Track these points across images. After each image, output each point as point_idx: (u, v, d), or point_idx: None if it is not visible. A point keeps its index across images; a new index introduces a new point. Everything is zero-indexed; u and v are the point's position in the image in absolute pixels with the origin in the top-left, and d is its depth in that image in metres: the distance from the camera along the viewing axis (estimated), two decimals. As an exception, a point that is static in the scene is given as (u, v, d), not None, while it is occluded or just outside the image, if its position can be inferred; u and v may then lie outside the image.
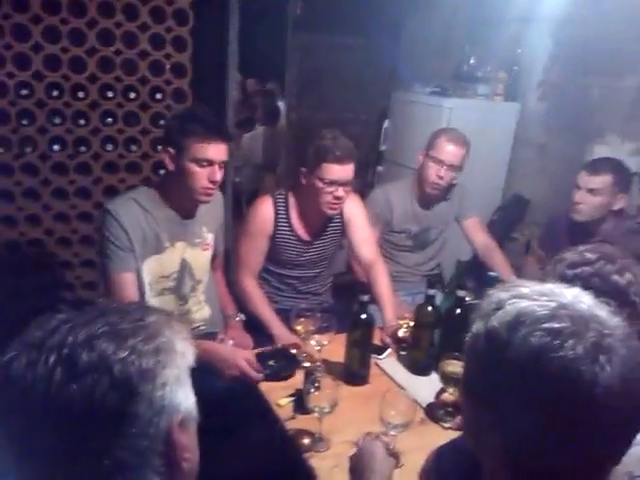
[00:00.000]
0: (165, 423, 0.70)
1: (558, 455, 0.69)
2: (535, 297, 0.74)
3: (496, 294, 0.77)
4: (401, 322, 1.98)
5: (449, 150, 2.40)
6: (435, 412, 1.59)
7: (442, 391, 1.59)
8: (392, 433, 1.37)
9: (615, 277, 1.09)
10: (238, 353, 1.73)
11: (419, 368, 1.82)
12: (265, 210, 2.20)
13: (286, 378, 1.71)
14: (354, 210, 2.31)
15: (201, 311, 2.07)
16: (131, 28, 2.70)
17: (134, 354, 0.68)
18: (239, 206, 4.09)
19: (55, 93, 2.64)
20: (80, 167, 2.79)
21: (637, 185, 2.98)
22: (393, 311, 2.09)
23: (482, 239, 2.65)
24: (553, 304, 0.72)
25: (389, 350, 1.93)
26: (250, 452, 1.57)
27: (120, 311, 0.74)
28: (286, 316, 1.94)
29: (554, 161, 3.29)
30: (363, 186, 4.20)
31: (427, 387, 1.69)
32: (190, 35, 2.83)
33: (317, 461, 1.39)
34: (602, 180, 2.28)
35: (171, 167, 1.80)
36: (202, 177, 1.78)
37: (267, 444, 1.52)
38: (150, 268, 1.87)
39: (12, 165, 2.65)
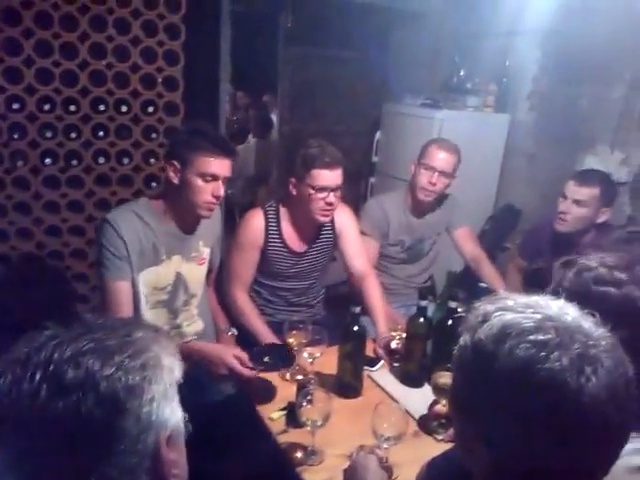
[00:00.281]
0: (153, 439, 0.70)
1: (546, 466, 0.70)
2: (520, 309, 0.74)
3: (482, 307, 0.78)
4: (393, 334, 1.97)
5: (440, 157, 2.42)
6: (428, 424, 1.59)
7: (435, 403, 1.58)
8: (385, 446, 1.36)
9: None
10: (227, 350, 1.71)
11: (412, 380, 1.82)
12: (256, 222, 2.20)
13: (283, 369, 1.72)
14: (345, 221, 2.32)
15: (194, 325, 2.06)
16: (123, 42, 2.71)
17: (120, 370, 0.68)
18: (232, 219, 4.10)
19: (47, 107, 2.64)
20: (72, 180, 2.78)
21: (627, 194, 3.01)
22: (385, 323, 2.09)
23: (471, 249, 2.66)
24: (538, 316, 0.72)
25: (382, 362, 1.93)
26: (242, 466, 1.56)
27: (107, 327, 0.74)
28: (278, 329, 1.94)
29: (544, 171, 3.32)
30: (356, 198, 4.21)
31: (420, 399, 1.69)
32: (182, 48, 2.84)
33: (310, 475, 1.38)
34: (589, 192, 2.29)
35: (175, 180, 1.81)
36: (206, 192, 1.80)
37: (259, 458, 1.51)
38: (146, 280, 1.87)
39: (3, 179, 2.64)
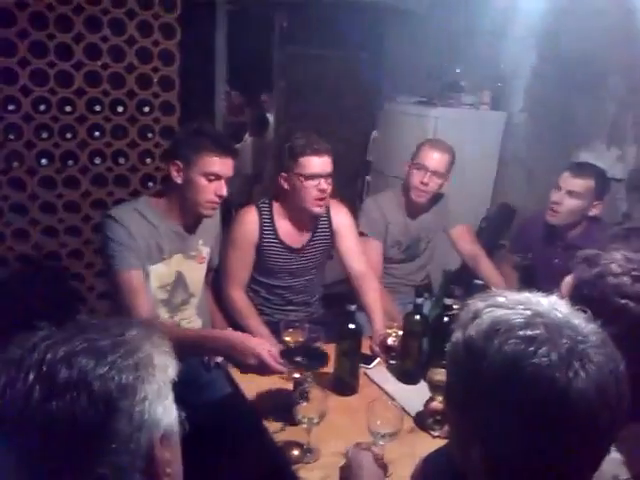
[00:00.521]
0: (146, 438, 0.70)
1: (537, 461, 0.70)
2: (511, 306, 0.75)
3: (473, 304, 0.78)
4: (389, 331, 1.98)
5: (433, 157, 2.42)
6: (424, 421, 1.59)
7: (431, 399, 1.59)
8: (380, 443, 1.37)
9: None
10: (261, 342, 1.60)
11: (408, 377, 1.82)
12: (249, 219, 2.20)
13: (316, 368, 1.63)
14: (343, 220, 2.32)
15: (192, 324, 2.06)
16: (118, 42, 2.72)
17: (113, 370, 0.68)
18: (230, 218, 4.08)
19: (42, 107, 2.65)
20: (68, 181, 2.79)
21: (623, 191, 3.02)
22: (382, 320, 2.09)
23: (469, 247, 2.66)
24: (528, 312, 0.73)
25: (378, 359, 1.93)
26: (239, 464, 1.57)
27: (100, 327, 0.74)
28: (277, 329, 1.93)
29: (539, 169, 3.32)
30: (352, 196, 4.22)
31: (416, 396, 1.69)
32: (177, 48, 2.85)
33: (306, 472, 1.39)
34: (584, 184, 2.30)
35: (179, 180, 1.83)
36: (209, 191, 1.83)
37: (256, 456, 1.52)
38: (151, 277, 1.88)
39: (-1, 180, 2.65)
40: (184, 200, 1.86)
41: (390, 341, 1.96)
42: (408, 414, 1.60)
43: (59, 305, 2.83)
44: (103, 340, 0.71)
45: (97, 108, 2.75)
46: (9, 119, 2.60)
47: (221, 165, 1.82)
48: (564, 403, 0.67)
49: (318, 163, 2.08)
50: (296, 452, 1.44)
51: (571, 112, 3.17)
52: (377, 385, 1.81)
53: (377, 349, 1.97)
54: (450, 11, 3.58)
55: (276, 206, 2.24)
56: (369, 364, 1.89)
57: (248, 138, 5.25)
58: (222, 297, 2.21)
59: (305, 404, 1.41)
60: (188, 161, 1.80)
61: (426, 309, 1.90)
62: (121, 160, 2.86)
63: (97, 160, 2.81)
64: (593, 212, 2.35)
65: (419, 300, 1.80)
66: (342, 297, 2.38)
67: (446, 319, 1.76)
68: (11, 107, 2.59)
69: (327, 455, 1.44)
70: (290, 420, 1.48)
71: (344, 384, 1.74)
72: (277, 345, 1.70)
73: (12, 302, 2.68)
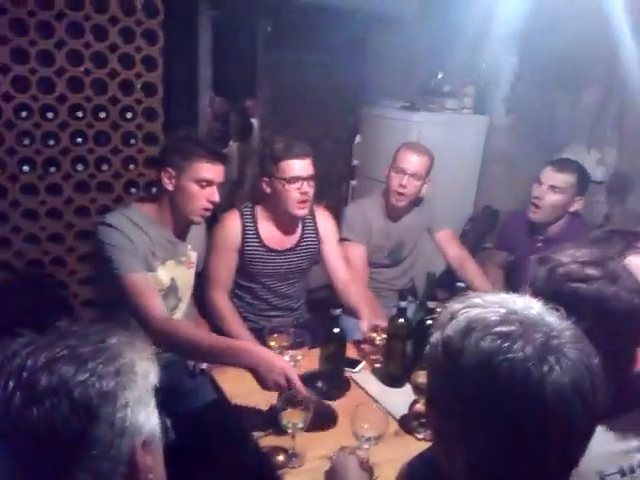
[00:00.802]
0: (127, 445, 0.70)
1: (516, 459, 0.71)
2: (486, 305, 0.76)
3: (451, 306, 0.80)
4: (373, 335, 1.99)
5: (410, 159, 2.44)
6: (409, 423, 1.60)
7: (415, 402, 1.60)
8: (366, 446, 1.37)
9: (611, 301, 1.00)
10: (288, 363, 1.57)
11: (393, 380, 1.83)
12: (232, 223, 2.21)
13: (336, 398, 1.58)
14: (328, 226, 2.35)
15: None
16: (100, 48, 2.71)
17: (94, 377, 0.69)
18: (214, 222, 4.08)
19: (24, 114, 2.63)
20: (50, 188, 2.77)
21: (603, 193, 3.06)
22: (369, 312, 2.09)
23: (455, 251, 2.68)
24: (503, 310, 0.74)
25: (363, 363, 1.94)
26: (224, 471, 1.56)
27: (81, 334, 0.74)
28: (260, 335, 1.93)
29: (521, 172, 3.36)
30: (337, 201, 4.23)
31: (401, 399, 1.70)
32: (160, 54, 2.84)
33: (291, 478, 1.39)
34: (566, 179, 2.34)
35: (170, 187, 1.84)
36: (201, 197, 1.84)
37: (241, 462, 1.51)
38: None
39: (-20, 187, 2.62)
40: (175, 207, 1.87)
41: (378, 341, 1.96)
42: (393, 417, 1.61)
43: (42, 313, 2.81)
44: (84, 347, 0.71)
45: (79, 114, 2.73)
46: (-10, 126, 2.58)
47: (213, 171, 1.84)
48: (540, 397, 0.68)
49: (299, 166, 2.09)
50: (281, 457, 1.44)
51: (552, 116, 3.21)
52: (362, 389, 1.81)
53: (366, 332, 1.98)
54: (433, 16, 3.61)
55: (259, 210, 2.24)
56: (354, 368, 1.90)
57: (233, 144, 5.24)
58: (205, 302, 2.20)
59: (290, 409, 1.41)
60: (180, 168, 1.81)
61: (410, 312, 1.91)
62: (104, 167, 2.85)
63: (80, 167, 2.80)
64: (574, 207, 2.40)
65: (403, 304, 1.81)
66: (326, 302, 2.39)
67: (429, 322, 1.77)
68: (-8, 114, 2.57)
69: (312, 460, 1.44)
70: (275, 426, 1.48)
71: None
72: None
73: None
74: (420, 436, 1.55)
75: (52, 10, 2.55)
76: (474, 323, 0.73)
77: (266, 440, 1.50)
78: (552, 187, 2.34)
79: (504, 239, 2.74)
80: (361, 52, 4.14)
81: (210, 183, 1.84)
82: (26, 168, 2.69)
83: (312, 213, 2.31)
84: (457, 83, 3.61)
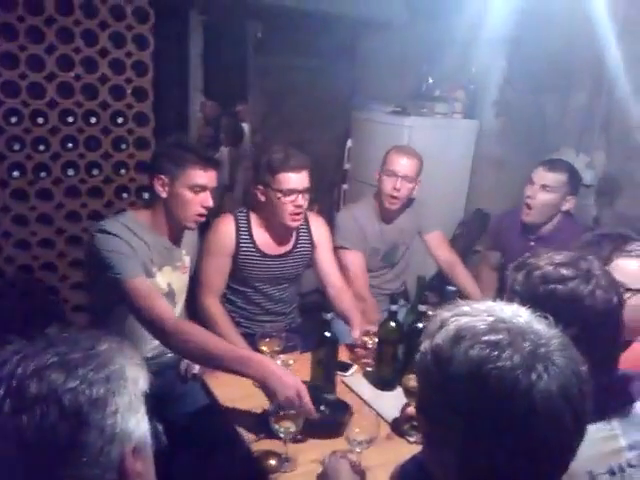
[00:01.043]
0: (117, 451, 0.70)
1: (506, 466, 0.71)
2: (475, 313, 0.77)
3: (440, 314, 0.80)
4: (365, 338, 1.99)
5: (401, 162, 2.46)
6: (401, 427, 1.60)
7: (407, 405, 1.60)
8: (357, 450, 1.38)
9: (587, 300, 1.02)
10: (299, 380, 1.54)
11: (384, 384, 1.84)
12: (226, 227, 2.20)
13: (338, 421, 1.51)
14: (322, 232, 2.36)
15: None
16: (91, 53, 2.71)
17: (84, 384, 0.69)
18: (206, 226, 4.08)
19: (14, 119, 2.62)
20: (41, 193, 2.76)
21: (592, 196, 3.09)
22: (360, 318, 2.11)
23: (445, 254, 2.70)
24: (491, 319, 0.75)
25: (355, 367, 1.94)
26: (216, 475, 1.56)
27: (70, 340, 0.74)
28: (252, 341, 1.92)
29: (511, 176, 3.38)
30: (329, 205, 4.24)
31: (393, 402, 1.70)
32: (151, 59, 2.84)
33: (283, 482, 1.39)
34: (557, 178, 2.37)
35: (164, 194, 1.84)
36: (195, 203, 1.84)
37: (233, 467, 1.51)
38: None
39: (-30, 193, 2.61)
40: (170, 213, 1.87)
41: (369, 345, 1.97)
42: (385, 420, 1.62)
43: (33, 319, 2.80)
44: (74, 353, 0.71)
45: (70, 119, 2.73)
46: (-21, 132, 2.57)
47: (206, 177, 1.84)
48: (529, 405, 0.68)
49: (295, 179, 2.08)
50: (273, 462, 1.44)
51: (541, 120, 3.24)
52: (354, 393, 1.82)
53: (358, 340, 1.99)
54: (422, 21, 3.64)
55: (253, 215, 2.24)
56: (346, 372, 1.90)
57: (224, 149, 5.24)
58: (196, 306, 2.19)
59: (282, 414, 1.41)
60: (173, 175, 1.81)
61: (401, 316, 1.92)
62: (95, 171, 2.84)
63: (70, 172, 2.79)
64: (566, 207, 2.43)
65: (394, 307, 1.82)
66: (318, 306, 2.40)
67: (420, 326, 1.78)
68: (-19, 120, 2.56)
69: (305, 464, 1.44)
70: (267, 430, 1.48)
71: (319, 389, 1.74)
72: None
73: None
74: (412, 439, 1.56)
75: (42, 15, 2.55)
76: (463, 332, 0.74)
77: (258, 445, 1.50)
78: (544, 186, 2.37)
79: (495, 239, 2.75)
80: (351, 57, 4.16)
81: (203, 189, 1.84)
82: (16, 173, 2.68)
83: (306, 219, 2.31)
84: (447, 88, 3.63)
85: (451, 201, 3.62)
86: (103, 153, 2.83)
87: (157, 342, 1.93)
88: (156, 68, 2.88)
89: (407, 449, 1.47)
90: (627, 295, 1.39)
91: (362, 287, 2.47)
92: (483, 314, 0.76)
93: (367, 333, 2.01)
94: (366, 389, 1.83)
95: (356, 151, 3.93)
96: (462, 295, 2.40)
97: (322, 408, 1.54)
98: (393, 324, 1.82)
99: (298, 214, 2.14)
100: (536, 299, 0.92)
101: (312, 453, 1.46)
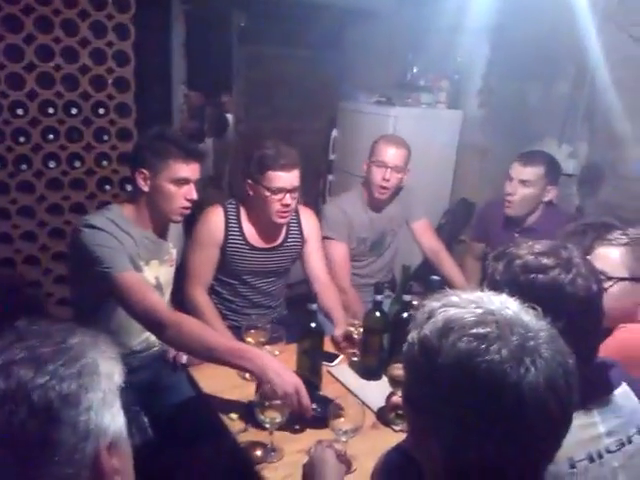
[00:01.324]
0: (92, 448, 0.68)
1: (491, 457, 0.72)
2: (463, 305, 0.77)
3: (428, 304, 0.80)
4: (351, 328, 2.00)
5: (390, 152, 2.46)
6: (386, 415, 1.61)
7: (392, 394, 1.61)
8: (343, 439, 1.38)
9: (568, 289, 1.02)
10: (297, 377, 1.55)
11: (370, 373, 1.84)
12: (215, 219, 2.19)
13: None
14: (312, 226, 2.35)
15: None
16: (71, 43, 2.66)
17: (54, 379, 0.67)
18: (192, 219, 4.05)
19: (-7, 111, 2.58)
20: (22, 185, 2.72)
21: (575, 186, 3.12)
22: (343, 316, 2.13)
23: (430, 242, 2.72)
24: (480, 310, 0.75)
25: (340, 357, 1.95)
26: (202, 466, 1.56)
27: (41, 334, 0.72)
28: (238, 333, 1.91)
29: (495, 165, 3.40)
30: (315, 196, 4.23)
31: (379, 391, 1.71)
32: (132, 49, 2.81)
33: (270, 472, 1.39)
34: (534, 171, 2.38)
35: (146, 188, 1.81)
36: (179, 196, 1.81)
37: (219, 458, 1.51)
38: None
39: (-51, 186, 2.57)
40: (154, 208, 1.85)
41: (355, 335, 1.98)
42: (370, 410, 1.63)
43: (15, 313, 2.76)
44: (44, 347, 0.69)
45: (50, 111, 2.69)
46: (-42, 124, 2.52)
47: (189, 170, 1.81)
48: (517, 398, 0.68)
49: (284, 178, 2.06)
50: (259, 452, 1.44)
51: (524, 109, 3.25)
52: (340, 383, 1.82)
53: (340, 339, 1.99)
54: (408, 10, 3.63)
55: (243, 208, 2.23)
56: (331, 362, 1.91)
57: (208, 140, 5.21)
58: (183, 297, 2.17)
59: (267, 404, 1.41)
60: (154, 169, 1.78)
61: (386, 306, 1.92)
62: (77, 163, 2.81)
63: (52, 164, 2.75)
64: (547, 197, 2.45)
65: (379, 297, 1.82)
66: (305, 297, 2.39)
67: (405, 315, 1.78)
68: (-40, 111, 2.52)
69: (290, 454, 1.44)
70: (253, 421, 1.48)
71: (306, 383, 1.74)
72: None
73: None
74: (397, 428, 1.57)
75: (19, 4, 2.50)
76: (451, 323, 0.74)
77: (244, 435, 1.50)
78: (522, 181, 2.39)
79: (479, 231, 2.77)
80: (337, 46, 4.14)
81: (187, 182, 1.81)
82: (-4, 166, 2.64)
83: (296, 212, 2.30)
84: (432, 77, 3.63)
85: (436, 191, 3.63)
86: (85, 145, 2.80)
87: (145, 335, 1.94)
88: (138, 58, 2.84)
89: (393, 438, 1.48)
90: (609, 283, 1.42)
91: (344, 279, 2.47)
92: (471, 305, 0.76)
93: (352, 324, 2.01)
94: (352, 379, 1.84)
95: (341, 141, 3.93)
96: (447, 283, 2.42)
97: (314, 406, 1.52)
98: (378, 314, 1.82)
99: (286, 212, 2.13)
100: (517, 288, 0.92)
101: (298, 443, 1.47)
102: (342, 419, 1.38)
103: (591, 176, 3.01)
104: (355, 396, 1.69)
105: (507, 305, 0.77)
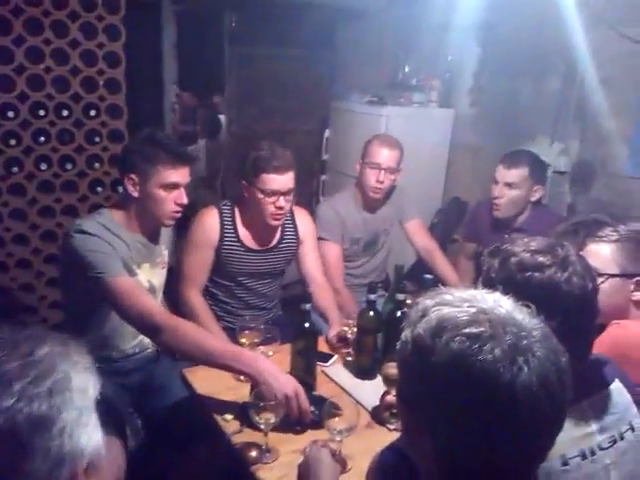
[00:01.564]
0: (67, 472, 0.62)
1: (485, 455, 0.72)
2: (457, 303, 0.76)
3: (422, 302, 0.80)
4: (345, 328, 2.00)
5: (384, 153, 2.46)
6: (380, 415, 1.61)
7: (386, 393, 1.61)
8: (338, 439, 1.38)
9: (564, 287, 1.01)
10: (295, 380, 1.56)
11: (364, 373, 1.85)
12: (210, 220, 2.18)
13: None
14: (307, 227, 2.34)
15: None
16: (61, 45, 2.65)
17: (22, 401, 0.60)
18: (186, 221, 4.04)
19: (-18, 114, 2.56)
20: (13, 188, 2.70)
21: (567, 183, 3.13)
22: (338, 316, 2.12)
23: (424, 241, 2.72)
24: (473, 310, 0.75)
25: (335, 357, 1.95)
26: (197, 467, 1.56)
27: (7, 344, 0.64)
28: (232, 335, 1.91)
29: (488, 164, 3.40)
30: (308, 196, 4.23)
31: (373, 391, 1.71)
32: (123, 50, 2.79)
33: (265, 473, 1.39)
34: (518, 173, 2.39)
35: (135, 194, 1.79)
36: (169, 201, 1.80)
37: (214, 459, 1.51)
38: None
39: (-60, 189, 2.55)
40: (145, 213, 1.83)
41: (349, 334, 1.98)
42: (365, 409, 1.63)
43: (8, 317, 2.75)
44: (10, 362, 0.62)
45: (41, 113, 2.67)
46: (-52, 126, 2.50)
47: (178, 175, 1.79)
48: (510, 398, 0.69)
49: (279, 181, 2.05)
50: (254, 453, 1.44)
51: (516, 108, 3.26)
52: (335, 382, 1.82)
53: (334, 340, 1.99)
54: (398, 9, 3.63)
55: (238, 209, 2.22)
56: (326, 362, 1.91)
57: (201, 141, 5.20)
58: (177, 298, 2.17)
59: (262, 405, 1.41)
60: (144, 174, 1.77)
61: (380, 305, 1.93)
62: (68, 165, 2.79)
63: (43, 166, 2.74)
64: (535, 197, 2.45)
65: (372, 296, 1.82)
66: (299, 299, 2.39)
67: (399, 314, 1.79)
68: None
69: (286, 454, 1.44)
70: (248, 421, 1.48)
71: (301, 383, 1.73)
72: None
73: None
74: (392, 427, 1.57)
75: (8, 5, 2.48)
76: (444, 322, 0.74)
77: (239, 437, 1.50)
78: (507, 184, 2.40)
79: (471, 231, 2.78)
80: (328, 46, 4.14)
81: (176, 186, 1.80)
82: (-13, 169, 2.62)
83: (291, 212, 2.30)
84: (423, 76, 3.63)
85: (428, 190, 3.64)
86: (76, 147, 2.78)
87: (139, 338, 1.93)
88: (129, 59, 2.83)
89: (387, 436, 1.48)
90: (600, 280, 1.42)
91: (337, 279, 2.47)
92: (464, 304, 0.76)
93: (346, 324, 2.02)
94: (346, 378, 1.84)
95: (334, 141, 3.93)
96: (440, 282, 2.42)
97: (312, 409, 1.52)
98: (372, 313, 1.82)
99: (280, 214, 2.12)
100: (512, 286, 0.92)
101: (293, 443, 1.47)
102: (337, 419, 1.38)
103: (582, 173, 3.03)
104: (350, 395, 1.69)
105: (500, 304, 0.77)
